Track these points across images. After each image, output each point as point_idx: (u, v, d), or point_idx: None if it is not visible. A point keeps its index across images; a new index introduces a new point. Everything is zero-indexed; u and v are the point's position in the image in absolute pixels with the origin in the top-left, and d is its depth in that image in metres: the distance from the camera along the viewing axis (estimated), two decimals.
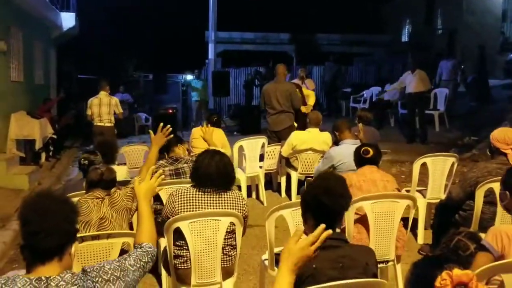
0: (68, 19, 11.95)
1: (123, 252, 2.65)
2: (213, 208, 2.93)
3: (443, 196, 4.93)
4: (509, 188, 2.39)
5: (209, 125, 5.51)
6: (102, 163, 3.28)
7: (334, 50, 16.68)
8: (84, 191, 3.27)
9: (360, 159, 3.80)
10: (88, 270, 1.71)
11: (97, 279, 1.68)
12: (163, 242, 3.79)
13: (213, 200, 2.96)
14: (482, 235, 2.66)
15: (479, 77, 11.74)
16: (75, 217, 1.74)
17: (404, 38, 21.01)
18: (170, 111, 11.24)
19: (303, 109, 7.57)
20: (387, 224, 3.30)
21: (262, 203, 6.13)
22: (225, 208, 2.96)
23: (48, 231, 1.62)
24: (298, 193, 5.97)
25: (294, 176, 5.95)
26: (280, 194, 6.33)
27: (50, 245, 1.64)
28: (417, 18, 19.67)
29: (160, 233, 3.78)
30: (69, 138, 11.36)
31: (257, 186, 6.32)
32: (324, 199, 2.03)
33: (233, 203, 2.99)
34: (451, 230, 4.16)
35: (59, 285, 1.63)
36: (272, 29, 18.61)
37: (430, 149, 7.87)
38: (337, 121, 5.28)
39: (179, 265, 2.95)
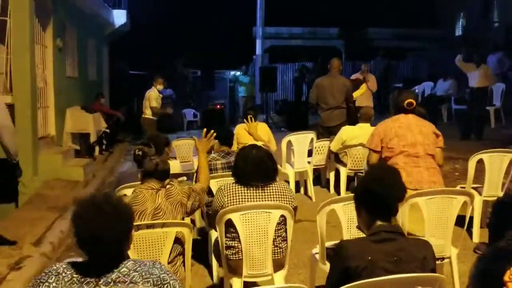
0: (119, 16, 12.32)
1: (177, 240, 2.70)
2: (261, 201, 2.94)
3: (500, 194, 4.73)
4: None
5: (252, 119, 5.51)
6: (155, 155, 3.36)
7: (385, 45, 16.29)
8: (139, 182, 3.37)
9: (401, 109, 3.91)
10: None
11: None
12: (214, 234, 3.86)
13: (259, 194, 2.97)
14: None
15: None
16: (131, 223, 1.78)
17: (458, 32, 20.20)
18: (218, 106, 11.35)
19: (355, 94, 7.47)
20: (443, 220, 3.19)
21: (310, 198, 6.09)
22: (271, 200, 2.96)
23: (103, 248, 1.68)
24: (347, 189, 5.90)
25: (343, 172, 5.88)
26: (329, 190, 6.27)
27: (105, 256, 1.71)
28: (472, 12, 18.85)
29: (211, 225, 3.87)
30: (121, 133, 11.71)
31: (305, 181, 6.28)
32: (377, 189, 1.99)
33: (279, 195, 2.99)
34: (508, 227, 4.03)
35: (121, 271, 1.70)
36: (320, 23, 18.36)
37: (485, 146, 7.53)
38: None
39: (231, 256, 2.98)
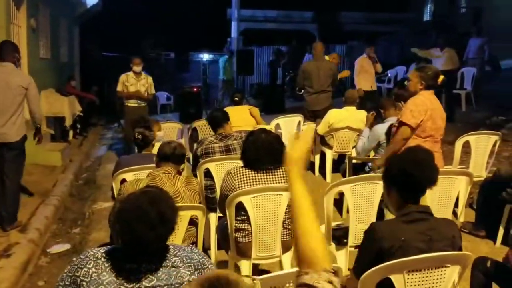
0: None
1: (192, 222, 2.67)
2: (271, 184, 2.93)
3: (484, 175, 4.90)
4: None
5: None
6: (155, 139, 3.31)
7: (357, 29, 16.43)
8: (141, 166, 3.31)
9: (430, 86, 3.82)
10: None
11: None
12: (213, 217, 3.85)
13: (269, 177, 2.95)
14: None
15: None
16: (174, 225, 1.72)
17: (427, 17, 20.60)
18: (195, 89, 11.21)
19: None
20: (445, 200, 3.28)
21: None
22: (281, 183, 2.95)
23: (145, 247, 1.64)
24: (333, 171, 5.97)
25: (329, 155, 5.93)
26: (314, 173, 6.32)
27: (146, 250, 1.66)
28: None
29: (210, 208, 3.84)
30: (95, 116, 11.43)
31: None
32: (413, 170, 2.00)
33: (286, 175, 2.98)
34: (495, 206, 4.19)
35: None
36: (295, 7, 18.30)
37: (458, 129, 7.79)
38: (383, 99, 5.22)
39: (240, 239, 2.97)
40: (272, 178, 2.95)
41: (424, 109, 3.70)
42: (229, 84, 12.56)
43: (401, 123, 3.77)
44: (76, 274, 1.61)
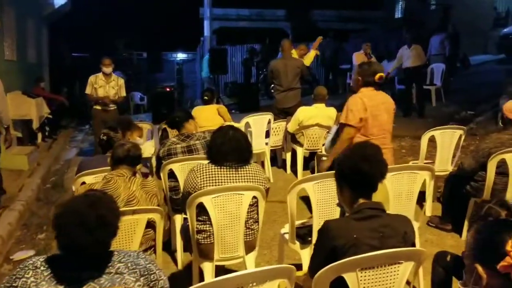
0: None
1: (149, 225, 2.61)
2: (234, 183, 2.89)
3: (450, 169, 4.96)
4: None
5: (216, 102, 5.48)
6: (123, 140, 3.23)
7: (330, 27, 16.52)
8: (100, 169, 3.23)
9: (370, 83, 3.79)
10: None
11: None
12: (178, 218, 3.79)
13: (233, 175, 2.91)
14: None
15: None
16: (116, 230, 1.66)
17: (398, 14, 20.85)
18: (168, 89, 11.09)
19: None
20: (407, 195, 3.29)
21: (268, 179, 6.11)
22: (244, 182, 2.92)
23: (84, 254, 1.58)
24: (304, 169, 5.97)
25: (300, 152, 5.93)
26: (286, 170, 6.32)
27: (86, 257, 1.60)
28: None
29: (175, 210, 3.79)
30: (65, 118, 11.21)
31: (262, 162, 6.29)
32: (363, 166, 1.99)
33: (253, 177, 2.95)
34: (460, 200, 4.25)
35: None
36: (267, 5, 18.31)
37: (428, 124, 7.88)
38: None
39: (202, 240, 2.92)
40: (237, 176, 2.90)
41: (362, 107, 3.71)
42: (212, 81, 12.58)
43: (342, 125, 3.80)
44: (14, 285, 1.55)
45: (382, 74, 3.77)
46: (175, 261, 3.94)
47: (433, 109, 10.28)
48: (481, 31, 15.76)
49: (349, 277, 1.85)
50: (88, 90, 7.05)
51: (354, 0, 19.47)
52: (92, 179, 3.24)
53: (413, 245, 2.01)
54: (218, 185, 2.83)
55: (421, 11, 18.32)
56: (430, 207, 4.91)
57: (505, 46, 13.62)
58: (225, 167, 2.89)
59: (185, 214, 3.19)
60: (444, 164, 4.96)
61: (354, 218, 1.96)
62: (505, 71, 11.74)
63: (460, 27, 12.82)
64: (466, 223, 4.16)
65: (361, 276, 1.87)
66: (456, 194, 4.35)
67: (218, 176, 2.87)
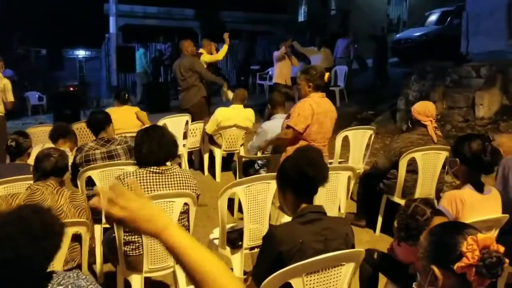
0: None
1: (76, 237, 2.41)
2: (166, 189, 2.79)
3: (362, 167, 5.23)
4: (459, 155, 2.58)
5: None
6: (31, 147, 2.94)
7: (239, 28, 16.69)
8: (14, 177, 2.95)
9: (319, 86, 3.86)
10: None
11: None
12: (98, 229, 3.57)
13: (163, 181, 2.80)
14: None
15: (381, 57, 12.60)
16: (61, 242, 1.52)
17: (301, 18, 21.66)
18: (72, 88, 10.41)
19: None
20: (332, 196, 3.41)
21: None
22: (177, 188, 2.82)
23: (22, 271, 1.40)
24: (222, 170, 5.95)
25: (218, 153, 5.90)
26: (203, 172, 6.24)
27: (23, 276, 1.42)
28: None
29: (95, 220, 3.56)
30: None
31: (179, 164, 6.16)
32: (308, 170, 2.00)
33: (182, 182, 2.87)
34: (373, 197, 4.50)
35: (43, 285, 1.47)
36: (176, 4, 17.99)
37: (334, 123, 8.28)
38: (272, 95, 5.30)
39: (130, 252, 2.77)
40: (166, 182, 2.79)
41: (310, 113, 3.77)
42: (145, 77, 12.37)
43: (288, 126, 3.84)
44: None
45: (328, 73, 3.85)
46: (93, 273, 3.71)
47: (338, 109, 10.73)
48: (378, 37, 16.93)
49: (295, 283, 1.86)
50: None
51: (261, 3, 19.90)
52: (3, 190, 2.93)
53: (353, 246, 2.08)
54: (148, 193, 2.71)
55: (323, 15, 19.21)
56: (345, 205, 5.13)
57: (397, 50, 14.71)
58: (151, 173, 2.77)
59: (108, 224, 3.02)
60: (356, 163, 5.20)
61: (298, 222, 1.98)
62: (400, 73, 12.70)
63: (357, 31, 13.68)
64: (379, 219, 4.41)
65: (307, 281, 1.89)
66: (370, 192, 4.59)
67: (147, 183, 2.74)
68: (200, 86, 6.87)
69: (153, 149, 2.76)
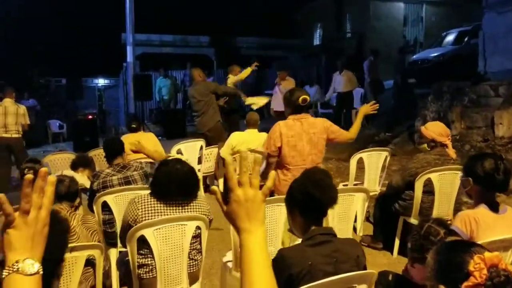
0: None
1: (89, 263, 2.45)
2: (178, 213, 2.81)
3: (378, 189, 5.19)
4: (471, 174, 2.55)
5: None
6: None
7: (252, 54, 16.93)
8: None
9: (298, 108, 3.80)
10: None
11: None
12: (113, 252, 3.60)
13: (177, 210, 2.82)
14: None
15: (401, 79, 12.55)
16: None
17: (316, 41, 21.87)
18: (90, 116, 10.65)
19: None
20: (345, 217, 3.38)
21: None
22: (189, 213, 2.84)
23: None
24: None
25: None
26: None
27: None
28: (328, 23, 20.59)
29: (109, 243, 3.59)
30: None
31: None
32: (314, 191, 2.01)
33: (197, 209, 2.89)
34: (390, 219, 4.44)
35: None
36: (191, 31, 18.41)
37: (350, 145, 8.26)
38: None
39: (144, 275, 2.78)
40: (182, 211, 2.82)
41: (277, 136, 3.73)
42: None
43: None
44: None
45: (305, 96, 3.74)
46: None
47: None
48: (392, 57, 16.95)
49: None
50: None
51: (275, 28, 20.22)
52: None
53: (365, 267, 2.05)
54: (161, 215, 2.73)
55: (338, 38, 19.37)
56: (361, 227, 5.07)
57: (414, 71, 14.67)
58: (171, 202, 2.80)
59: (124, 247, 3.03)
60: (372, 185, 5.17)
61: (307, 245, 1.97)
62: (417, 95, 12.63)
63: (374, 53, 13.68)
64: (396, 241, 4.34)
65: None
66: (386, 213, 4.54)
67: (160, 210, 2.77)
68: (216, 109, 7.03)
69: (171, 190, 2.77)
